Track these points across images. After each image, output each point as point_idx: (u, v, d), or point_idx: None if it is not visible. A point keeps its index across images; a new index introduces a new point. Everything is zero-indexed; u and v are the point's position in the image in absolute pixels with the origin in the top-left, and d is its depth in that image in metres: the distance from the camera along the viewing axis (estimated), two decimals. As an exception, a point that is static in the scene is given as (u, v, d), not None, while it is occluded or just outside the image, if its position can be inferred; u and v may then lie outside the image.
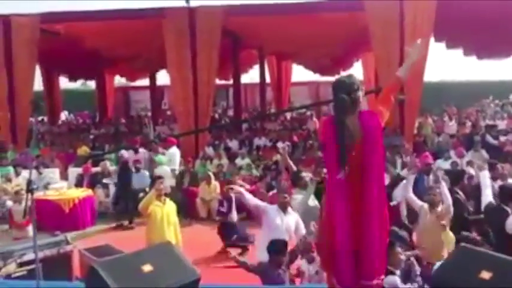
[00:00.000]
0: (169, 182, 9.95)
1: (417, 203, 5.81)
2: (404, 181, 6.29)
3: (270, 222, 5.26)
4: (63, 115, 25.76)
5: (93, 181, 10.72)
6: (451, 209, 5.40)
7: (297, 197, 5.76)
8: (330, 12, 12.51)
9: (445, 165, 10.26)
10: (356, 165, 3.00)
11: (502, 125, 15.73)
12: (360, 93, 3.10)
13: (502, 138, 12.59)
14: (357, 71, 20.37)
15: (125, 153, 11.23)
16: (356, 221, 3.00)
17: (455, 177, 7.90)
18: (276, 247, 4.68)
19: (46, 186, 9.96)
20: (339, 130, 3.01)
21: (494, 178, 6.61)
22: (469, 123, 15.35)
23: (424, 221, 5.50)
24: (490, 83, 29.54)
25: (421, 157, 9.75)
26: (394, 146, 11.39)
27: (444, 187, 5.53)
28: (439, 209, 5.45)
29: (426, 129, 15.02)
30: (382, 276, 3.10)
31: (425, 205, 5.56)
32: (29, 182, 3.21)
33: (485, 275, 2.70)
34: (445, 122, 16.37)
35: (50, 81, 20.64)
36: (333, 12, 12.48)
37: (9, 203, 8.92)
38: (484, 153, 10.75)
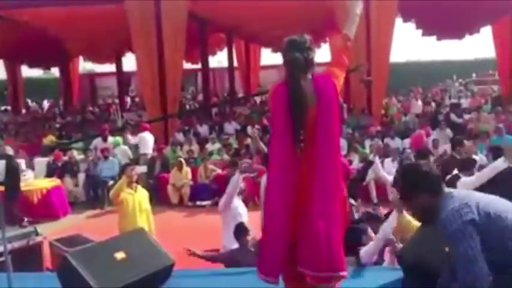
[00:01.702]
0: (125, 160, 10.27)
1: (390, 180, 5.95)
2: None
3: (236, 211, 5.38)
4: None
5: (62, 171, 10.54)
6: None
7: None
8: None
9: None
10: (309, 136, 2.57)
11: (465, 103, 16.18)
12: (314, 55, 2.69)
13: (466, 116, 12.96)
14: (325, 52, 20.49)
15: (98, 143, 11.12)
16: (300, 205, 2.55)
17: (422, 155, 8.13)
18: (241, 229, 4.79)
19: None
20: (293, 93, 2.55)
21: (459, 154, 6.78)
22: (434, 103, 15.73)
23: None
24: (454, 62, 30.26)
25: (414, 136, 10.09)
26: (363, 126, 11.60)
27: None
28: None
29: (392, 109, 15.33)
30: (339, 273, 2.54)
31: None
32: (-6, 173, 3.13)
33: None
34: (412, 102, 16.72)
35: (12, 70, 20.01)
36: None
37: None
38: (448, 131, 11.05)
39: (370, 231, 4.40)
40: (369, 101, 12.24)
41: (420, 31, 16.60)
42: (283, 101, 2.58)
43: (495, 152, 5.88)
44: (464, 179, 5.01)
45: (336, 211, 2.57)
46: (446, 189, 2.37)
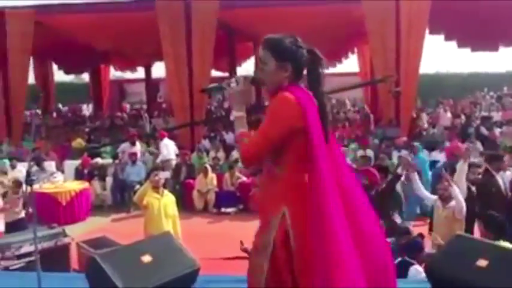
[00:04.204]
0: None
1: (430, 197, 5.85)
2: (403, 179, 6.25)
3: None
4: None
5: (90, 174, 10.74)
6: (463, 204, 5.28)
7: None
8: (326, 4, 12.50)
9: (440, 157, 10.34)
10: None
11: (497, 116, 15.82)
12: None
13: (497, 130, 12.66)
14: (353, 62, 20.39)
15: (126, 147, 11.30)
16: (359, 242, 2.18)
17: (452, 169, 7.98)
18: None
19: (49, 178, 9.93)
20: (325, 104, 2.30)
21: (499, 169, 6.55)
22: (463, 115, 15.44)
23: (438, 215, 5.53)
24: (485, 74, 29.64)
25: (451, 146, 9.98)
26: (390, 137, 11.47)
27: (453, 185, 5.37)
28: (452, 203, 5.39)
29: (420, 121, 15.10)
30: None
31: (438, 200, 5.56)
32: (28, 174, 3.21)
33: (482, 262, 2.73)
34: (440, 114, 16.45)
35: (44, 74, 20.51)
36: (329, 3, 12.47)
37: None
38: (478, 145, 10.81)
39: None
40: (397, 112, 12.10)
41: (451, 43, 16.36)
42: (316, 113, 2.22)
43: None
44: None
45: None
46: None
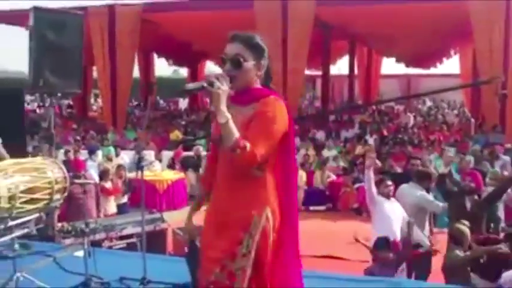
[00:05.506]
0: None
1: None
2: None
3: (383, 211, 4.95)
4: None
5: (185, 165, 11.21)
6: None
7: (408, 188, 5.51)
8: (428, 1, 12.01)
9: (551, 167, 9.53)
10: None
11: None
12: None
13: None
14: (455, 63, 19.37)
15: None
16: None
17: None
18: (380, 243, 4.52)
19: (149, 167, 10.50)
20: None
21: None
22: None
23: None
24: None
25: None
26: (492, 143, 10.77)
27: None
28: None
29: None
30: None
31: None
32: (139, 160, 3.45)
33: None
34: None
35: (146, 69, 21.74)
36: (431, 1, 11.97)
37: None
38: None
39: None
40: (503, 117, 11.32)
41: None
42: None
43: None
44: None
45: None
46: None
